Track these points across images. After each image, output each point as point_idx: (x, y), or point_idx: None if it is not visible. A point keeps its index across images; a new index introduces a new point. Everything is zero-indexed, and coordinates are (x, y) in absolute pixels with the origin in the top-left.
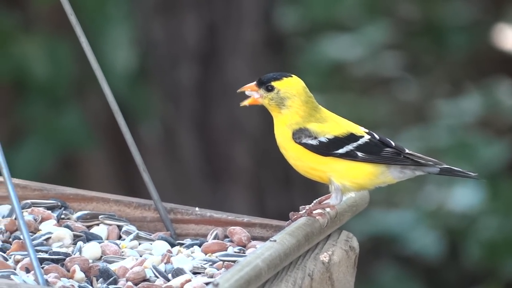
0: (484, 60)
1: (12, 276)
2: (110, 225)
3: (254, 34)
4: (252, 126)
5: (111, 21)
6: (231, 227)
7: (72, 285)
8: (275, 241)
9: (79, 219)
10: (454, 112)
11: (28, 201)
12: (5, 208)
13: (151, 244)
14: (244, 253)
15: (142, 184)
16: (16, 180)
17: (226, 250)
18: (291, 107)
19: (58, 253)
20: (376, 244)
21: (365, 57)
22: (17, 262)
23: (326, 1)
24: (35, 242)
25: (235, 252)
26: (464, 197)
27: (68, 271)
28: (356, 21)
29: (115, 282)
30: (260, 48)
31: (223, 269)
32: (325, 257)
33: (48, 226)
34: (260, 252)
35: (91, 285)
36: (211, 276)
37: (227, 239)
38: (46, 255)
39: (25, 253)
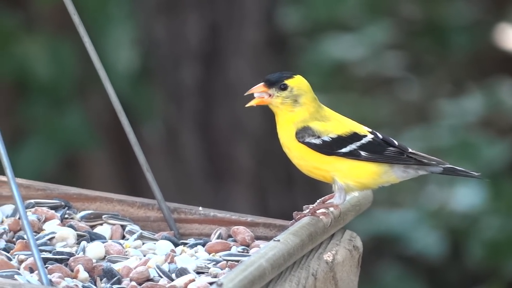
0: (486, 60)
1: (16, 276)
2: (113, 224)
3: (256, 34)
4: (254, 126)
5: (113, 21)
6: (235, 227)
7: (76, 285)
8: (278, 240)
9: (82, 218)
10: (456, 112)
11: (32, 200)
12: (8, 208)
13: (155, 243)
14: (248, 252)
15: (144, 184)
16: (20, 180)
17: (230, 250)
18: (304, 104)
19: (61, 253)
20: (378, 243)
21: (367, 57)
22: (21, 262)
23: (328, 1)
24: (38, 242)
25: (238, 251)
26: (466, 197)
27: (72, 271)
28: (358, 21)
29: (118, 282)
30: (262, 48)
31: (226, 268)
32: (328, 257)
33: (52, 226)
34: (264, 252)
35: (95, 285)
36: (215, 276)
37: (231, 239)
38: (49, 255)
39: (29, 253)
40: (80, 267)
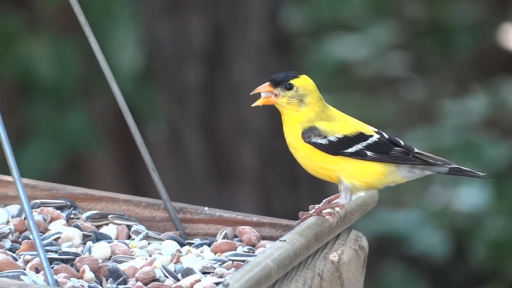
0: (489, 60)
1: (21, 276)
2: (119, 224)
3: (260, 34)
4: (258, 126)
5: (116, 21)
6: (241, 227)
7: (82, 285)
8: (284, 240)
9: (88, 219)
10: (460, 112)
11: (38, 201)
12: (14, 208)
13: (161, 244)
14: (254, 252)
15: (148, 184)
16: (26, 180)
17: (236, 250)
18: (310, 104)
19: (67, 253)
20: (383, 243)
21: (371, 57)
22: (26, 262)
23: (332, 1)
24: (44, 242)
25: (244, 251)
26: (470, 197)
27: (78, 271)
28: (362, 21)
29: (124, 282)
30: (266, 48)
31: (232, 269)
32: (334, 257)
33: (58, 226)
34: (270, 252)
35: (101, 285)
36: (221, 276)
37: (237, 239)
38: (55, 255)
39: (35, 253)
40: (86, 267)
